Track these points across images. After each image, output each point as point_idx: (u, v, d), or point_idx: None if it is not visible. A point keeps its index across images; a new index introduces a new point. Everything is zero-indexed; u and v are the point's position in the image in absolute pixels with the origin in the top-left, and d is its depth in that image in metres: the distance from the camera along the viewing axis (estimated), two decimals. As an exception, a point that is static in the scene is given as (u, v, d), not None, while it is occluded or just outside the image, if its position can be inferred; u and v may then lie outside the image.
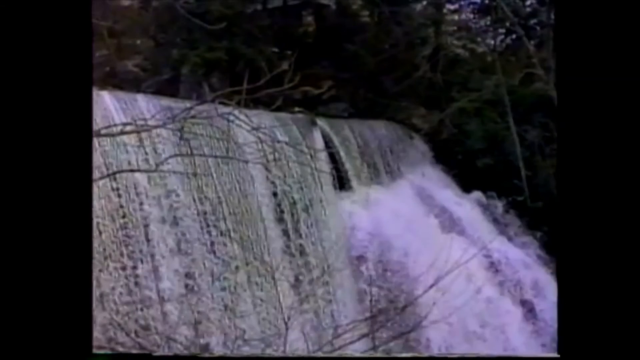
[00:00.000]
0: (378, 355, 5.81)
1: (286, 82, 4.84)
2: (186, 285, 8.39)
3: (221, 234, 8.99)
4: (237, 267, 9.09)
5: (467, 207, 13.77)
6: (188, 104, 4.85)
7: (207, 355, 7.12)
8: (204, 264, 8.66)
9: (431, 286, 5.77)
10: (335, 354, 5.54)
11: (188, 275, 8.46)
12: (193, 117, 4.66)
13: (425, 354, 8.28)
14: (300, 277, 10.17)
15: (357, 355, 4.84)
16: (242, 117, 4.61)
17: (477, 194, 14.36)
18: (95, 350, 2.89)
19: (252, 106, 11.04)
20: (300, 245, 10.45)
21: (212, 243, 8.86)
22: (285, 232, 10.32)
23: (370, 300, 10.04)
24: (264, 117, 10.15)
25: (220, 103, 4.63)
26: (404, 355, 5.33)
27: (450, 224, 13.04)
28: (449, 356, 4.32)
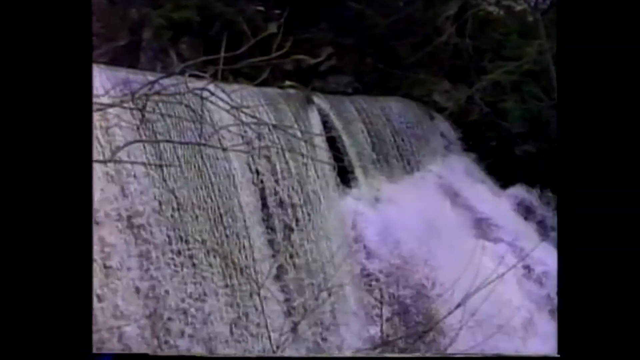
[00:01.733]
0: (379, 355, 6.36)
1: (274, 50, 4.85)
2: (147, 305, 8.41)
3: (193, 242, 9.00)
4: (212, 283, 9.12)
5: (503, 207, 13.81)
6: (151, 77, 4.86)
7: (207, 355, 7.45)
8: (170, 280, 8.68)
9: (457, 306, 5.78)
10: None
11: (149, 292, 8.49)
12: (157, 93, 4.67)
13: (426, 354, 8.73)
14: (293, 296, 10.21)
15: (357, 355, 5.06)
16: (218, 93, 4.63)
17: (515, 190, 14.40)
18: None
19: (231, 80, 11.08)
20: (293, 254, 10.47)
21: (180, 252, 8.88)
22: (274, 239, 10.35)
23: (381, 324, 10.08)
24: (246, 94, 10.20)
25: (191, 76, 4.64)
26: (405, 355, 5.71)
27: (482, 227, 13.08)
28: (449, 356, 4.76)
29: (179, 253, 8.85)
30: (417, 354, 8.02)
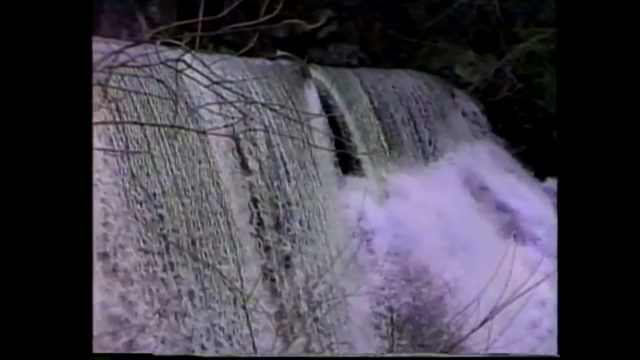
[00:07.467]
0: (377, 355, 6.84)
1: (262, 13, 4.89)
2: (110, 316, 8.47)
3: (166, 242, 9.04)
4: (191, 293, 9.17)
5: (538, 202, 13.83)
6: (115, 46, 4.90)
7: (207, 355, 8.25)
8: (142, 288, 8.72)
9: (484, 322, 5.82)
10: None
11: (120, 302, 8.54)
12: (123, 65, 4.71)
13: (426, 354, 9.05)
14: (285, 307, 10.25)
15: (357, 355, 5.28)
16: (196, 65, 4.67)
17: (553, 183, 14.44)
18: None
19: (211, 49, 11.11)
20: (286, 258, 10.51)
21: (151, 253, 8.91)
22: (263, 240, 10.37)
23: (391, 345, 10.13)
24: (229, 66, 10.22)
25: (163, 44, 4.68)
26: (405, 355, 6.01)
27: (514, 227, 13.09)
28: (450, 356, 5.14)
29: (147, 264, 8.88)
30: (417, 354, 8.32)
